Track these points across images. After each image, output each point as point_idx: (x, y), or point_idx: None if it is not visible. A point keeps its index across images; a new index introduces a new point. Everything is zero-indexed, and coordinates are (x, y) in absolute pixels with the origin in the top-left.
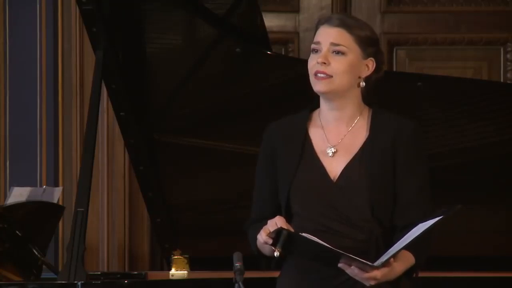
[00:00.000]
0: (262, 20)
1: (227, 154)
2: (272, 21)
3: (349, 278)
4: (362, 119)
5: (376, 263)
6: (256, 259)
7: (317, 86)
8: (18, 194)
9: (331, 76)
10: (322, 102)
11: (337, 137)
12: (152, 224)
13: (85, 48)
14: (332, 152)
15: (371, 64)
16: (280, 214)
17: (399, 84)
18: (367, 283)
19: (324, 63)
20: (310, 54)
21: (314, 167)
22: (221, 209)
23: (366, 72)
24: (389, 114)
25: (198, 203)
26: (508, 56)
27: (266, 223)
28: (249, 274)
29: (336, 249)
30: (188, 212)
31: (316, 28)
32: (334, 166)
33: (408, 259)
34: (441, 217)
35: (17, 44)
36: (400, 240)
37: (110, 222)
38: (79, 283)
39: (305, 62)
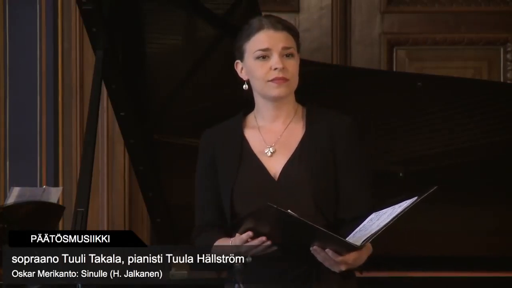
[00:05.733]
0: None
1: None
2: None
3: (305, 271)
4: (298, 117)
5: (355, 243)
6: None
7: (276, 91)
8: (18, 194)
9: (288, 80)
10: (262, 103)
11: (273, 136)
12: (152, 224)
13: (85, 48)
14: (271, 152)
15: (299, 58)
16: (224, 218)
17: (399, 84)
18: (337, 269)
19: (283, 68)
20: (254, 61)
21: (254, 167)
22: None
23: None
24: (325, 109)
25: None
26: (508, 56)
27: (215, 229)
28: None
29: (316, 226)
30: (188, 212)
31: (250, 35)
32: (274, 165)
33: (369, 249)
34: (416, 198)
35: (17, 44)
36: (376, 223)
37: (110, 222)
38: (79, 284)
39: (304, 62)
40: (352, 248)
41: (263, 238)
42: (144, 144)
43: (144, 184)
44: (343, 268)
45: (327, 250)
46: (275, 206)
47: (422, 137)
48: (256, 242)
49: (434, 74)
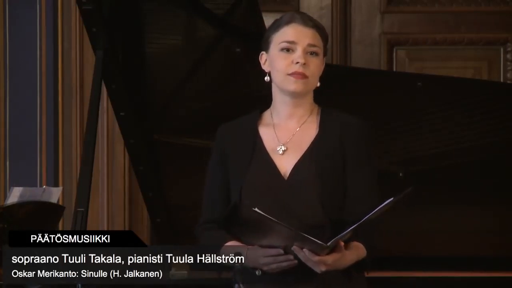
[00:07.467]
0: (262, 20)
1: None
2: (272, 21)
3: (305, 271)
4: (312, 117)
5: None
6: None
7: (293, 85)
8: (18, 194)
9: (308, 77)
10: (280, 99)
11: (287, 134)
12: (152, 224)
13: (85, 48)
14: (283, 150)
15: (324, 62)
16: None
17: (399, 84)
18: (317, 269)
19: (304, 63)
20: (278, 52)
21: (265, 165)
22: None
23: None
24: (337, 112)
25: (198, 203)
26: (508, 56)
27: (219, 225)
28: None
29: (288, 226)
30: (188, 212)
31: (279, 26)
32: (285, 164)
33: (359, 250)
34: (391, 199)
35: (17, 44)
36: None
37: (110, 222)
38: (79, 284)
39: None
40: (321, 247)
41: (291, 256)
42: (144, 144)
43: (144, 184)
44: (323, 268)
45: (304, 249)
46: (244, 203)
47: (422, 137)
48: (282, 258)
49: (434, 74)
